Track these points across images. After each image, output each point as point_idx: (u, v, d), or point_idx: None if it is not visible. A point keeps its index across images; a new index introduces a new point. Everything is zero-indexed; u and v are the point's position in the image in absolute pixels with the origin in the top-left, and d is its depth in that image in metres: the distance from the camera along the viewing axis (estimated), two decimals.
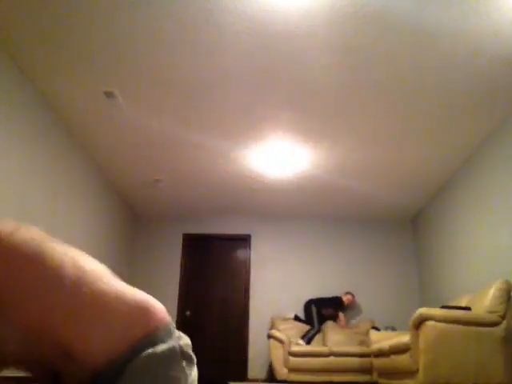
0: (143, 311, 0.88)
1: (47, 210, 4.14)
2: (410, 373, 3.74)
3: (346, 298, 6.33)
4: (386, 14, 2.91)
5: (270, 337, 5.67)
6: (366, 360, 5.30)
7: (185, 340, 0.94)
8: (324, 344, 5.87)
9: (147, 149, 4.86)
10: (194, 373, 0.91)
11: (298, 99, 3.91)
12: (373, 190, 5.84)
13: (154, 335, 0.87)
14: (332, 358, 5.36)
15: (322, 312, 6.19)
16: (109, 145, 4.76)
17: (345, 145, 4.70)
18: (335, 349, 5.44)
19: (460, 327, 3.52)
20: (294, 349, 5.48)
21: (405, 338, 3.86)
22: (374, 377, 5.10)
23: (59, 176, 4.35)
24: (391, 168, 5.20)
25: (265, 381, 5.92)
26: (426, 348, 3.49)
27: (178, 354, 0.88)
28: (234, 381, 5.57)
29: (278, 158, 5.00)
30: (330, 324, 6.11)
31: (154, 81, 3.69)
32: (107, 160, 5.11)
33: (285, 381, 5.37)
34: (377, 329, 5.79)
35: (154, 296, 0.95)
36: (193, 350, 0.95)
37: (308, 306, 6.29)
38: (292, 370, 5.38)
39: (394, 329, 5.84)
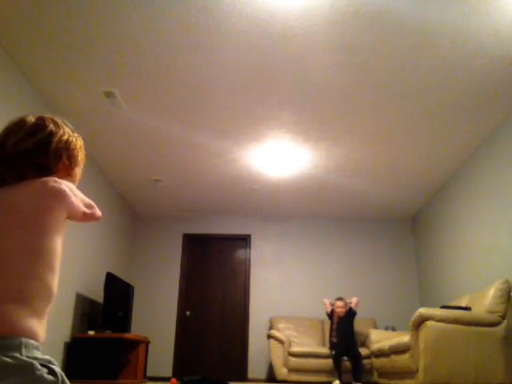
0: None
1: None
2: (410, 373, 3.74)
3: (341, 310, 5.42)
4: (386, 13, 2.91)
5: (270, 337, 5.66)
6: (365, 360, 5.30)
7: None
8: (324, 344, 5.87)
9: (147, 149, 4.86)
10: None
11: (297, 99, 3.90)
12: (373, 190, 5.84)
13: None
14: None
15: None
16: (109, 145, 4.76)
17: (345, 145, 4.70)
18: None
19: (460, 327, 3.52)
20: (294, 349, 5.48)
21: (405, 338, 3.86)
22: (374, 377, 5.10)
23: None
24: (391, 168, 5.20)
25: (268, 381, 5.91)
26: (426, 348, 3.49)
27: None
28: (234, 381, 5.56)
29: (278, 158, 5.00)
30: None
31: (154, 81, 3.68)
32: (107, 160, 5.11)
33: (285, 381, 5.37)
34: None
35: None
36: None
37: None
38: (292, 370, 5.38)
39: (394, 329, 5.84)
